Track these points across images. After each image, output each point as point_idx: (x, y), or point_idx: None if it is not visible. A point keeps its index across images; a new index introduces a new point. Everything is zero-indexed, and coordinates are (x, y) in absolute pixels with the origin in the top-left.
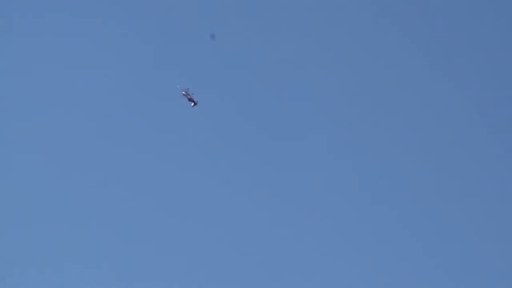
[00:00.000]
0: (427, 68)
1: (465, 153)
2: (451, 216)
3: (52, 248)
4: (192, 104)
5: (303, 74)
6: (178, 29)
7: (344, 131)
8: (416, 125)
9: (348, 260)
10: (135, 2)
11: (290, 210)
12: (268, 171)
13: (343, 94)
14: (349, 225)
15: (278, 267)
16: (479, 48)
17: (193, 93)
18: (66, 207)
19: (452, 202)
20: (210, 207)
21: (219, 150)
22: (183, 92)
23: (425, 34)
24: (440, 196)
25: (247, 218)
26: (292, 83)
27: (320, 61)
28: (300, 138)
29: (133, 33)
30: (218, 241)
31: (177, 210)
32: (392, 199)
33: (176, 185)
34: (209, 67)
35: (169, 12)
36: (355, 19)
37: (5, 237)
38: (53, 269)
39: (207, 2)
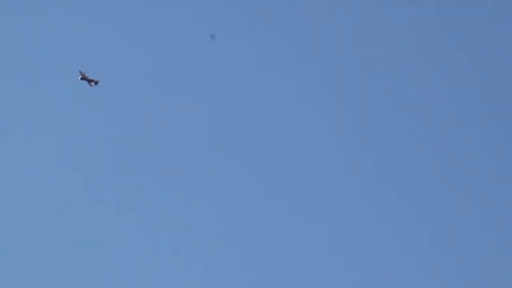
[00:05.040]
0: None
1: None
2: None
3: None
4: (93, 84)
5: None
6: (177, 29)
7: (345, 131)
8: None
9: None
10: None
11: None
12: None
13: (344, 94)
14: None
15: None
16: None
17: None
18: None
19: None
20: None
21: (218, 150)
22: (80, 76)
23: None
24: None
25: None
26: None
27: (320, 63)
28: (298, 139)
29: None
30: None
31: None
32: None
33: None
34: (208, 68)
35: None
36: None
37: None
38: None
39: (206, 2)
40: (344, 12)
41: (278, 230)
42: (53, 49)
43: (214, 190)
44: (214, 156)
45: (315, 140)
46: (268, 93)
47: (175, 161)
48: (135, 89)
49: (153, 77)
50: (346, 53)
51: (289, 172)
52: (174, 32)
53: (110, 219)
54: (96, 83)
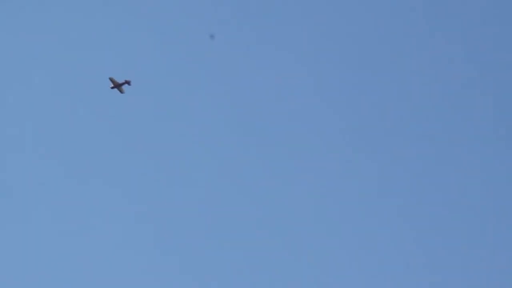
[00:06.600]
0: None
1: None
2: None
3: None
4: (124, 88)
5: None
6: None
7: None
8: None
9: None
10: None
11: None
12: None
13: (344, 94)
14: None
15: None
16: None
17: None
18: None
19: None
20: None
21: (217, 150)
22: (111, 86)
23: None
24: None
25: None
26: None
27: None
28: (298, 140)
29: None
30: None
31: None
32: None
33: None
34: (208, 68)
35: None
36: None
37: None
38: None
39: (206, 2)
40: (344, 12)
41: (278, 232)
42: (51, 49)
43: (213, 190)
44: (214, 156)
45: (315, 139)
46: (267, 93)
47: (175, 161)
48: (135, 88)
49: (152, 77)
50: (345, 52)
51: (290, 172)
52: (174, 32)
53: (110, 219)
54: (128, 83)
